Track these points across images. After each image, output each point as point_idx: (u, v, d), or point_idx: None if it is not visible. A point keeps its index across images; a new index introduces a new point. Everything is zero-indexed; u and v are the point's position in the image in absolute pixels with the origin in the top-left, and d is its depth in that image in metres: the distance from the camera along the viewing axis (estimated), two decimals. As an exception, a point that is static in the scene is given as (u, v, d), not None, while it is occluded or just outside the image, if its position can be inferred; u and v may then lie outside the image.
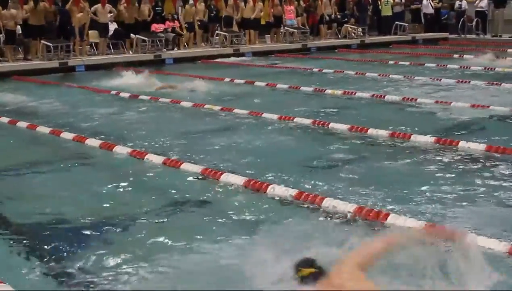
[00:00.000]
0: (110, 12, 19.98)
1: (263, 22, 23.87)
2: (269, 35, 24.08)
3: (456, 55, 20.09)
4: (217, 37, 22.16)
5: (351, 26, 25.16)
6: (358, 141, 8.65)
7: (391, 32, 25.98)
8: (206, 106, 11.41)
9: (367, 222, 5.44)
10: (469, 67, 16.73)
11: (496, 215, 5.72)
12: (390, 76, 15.30)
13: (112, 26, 20.28)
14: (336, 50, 22.93)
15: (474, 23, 26.67)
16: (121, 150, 8.20)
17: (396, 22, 26.12)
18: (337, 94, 12.75)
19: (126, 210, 6.00)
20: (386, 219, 5.41)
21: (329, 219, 5.57)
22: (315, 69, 17.15)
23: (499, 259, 4.63)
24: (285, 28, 23.74)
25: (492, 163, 7.35)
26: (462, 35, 26.58)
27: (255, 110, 10.71)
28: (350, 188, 6.44)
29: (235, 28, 22.87)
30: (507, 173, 6.96)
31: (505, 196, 6.16)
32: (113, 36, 20.32)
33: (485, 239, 4.89)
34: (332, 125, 9.45)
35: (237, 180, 6.66)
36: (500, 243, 4.84)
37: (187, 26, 21.81)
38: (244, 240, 5.07)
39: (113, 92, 13.66)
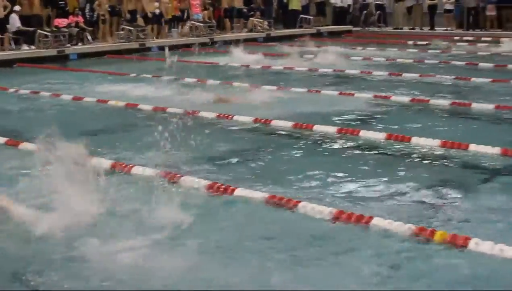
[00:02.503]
0: (5, 6, 19.19)
1: (169, 16, 23.68)
2: (176, 29, 23.91)
3: (359, 48, 20.60)
4: (122, 32, 21.81)
5: (257, 19, 25.33)
6: (262, 134, 8.76)
7: (296, 26, 26.37)
8: (110, 102, 11.29)
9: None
10: (372, 59, 17.22)
11: (395, 200, 5.93)
12: (295, 69, 15.54)
13: (13, 21, 19.51)
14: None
15: (376, 16, 27.47)
16: None
17: (301, 16, 26.54)
18: (244, 87, 12.82)
19: None
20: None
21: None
22: (222, 63, 17.17)
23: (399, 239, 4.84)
24: (191, 22, 23.65)
25: (392, 151, 7.62)
26: (366, 28, 27.35)
27: (160, 105, 10.64)
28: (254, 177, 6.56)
29: (140, 22, 22.57)
30: (406, 160, 7.25)
31: (400, 182, 6.42)
32: (16, 32, 19.60)
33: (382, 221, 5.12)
34: (236, 117, 9.53)
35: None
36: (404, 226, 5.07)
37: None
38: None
39: None
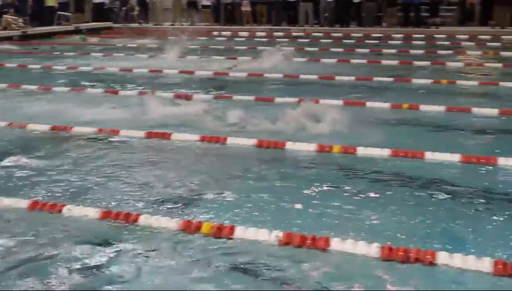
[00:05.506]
0: None
1: None
2: None
3: (120, 44, 20.43)
4: None
5: (11, 16, 23.97)
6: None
7: (54, 23, 25.41)
8: None
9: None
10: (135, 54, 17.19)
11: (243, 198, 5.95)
12: (54, 67, 15.01)
13: None
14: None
15: (136, 12, 27.43)
16: None
17: (59, 12, 25.63)
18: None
19: None
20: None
21: None
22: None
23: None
24: None
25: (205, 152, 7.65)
26: (127, 24, 27.20)
27: None
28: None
29: None
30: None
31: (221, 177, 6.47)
32: None
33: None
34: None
35: None
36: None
37: None
38: None
39: None
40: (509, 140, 7.63)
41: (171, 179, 6.41)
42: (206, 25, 26.11)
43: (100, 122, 8.74)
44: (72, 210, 5.42)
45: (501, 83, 11.74)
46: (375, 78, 12.43)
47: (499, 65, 14.54)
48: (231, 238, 4.86)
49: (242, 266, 4.45)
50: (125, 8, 27.63)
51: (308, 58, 15.55)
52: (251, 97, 10.58)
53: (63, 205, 5.51)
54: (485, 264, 4.31)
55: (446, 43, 19.16)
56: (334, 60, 15.27)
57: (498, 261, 4.34)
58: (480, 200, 5.69)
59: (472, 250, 4.58)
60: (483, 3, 22.58)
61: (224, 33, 23.85)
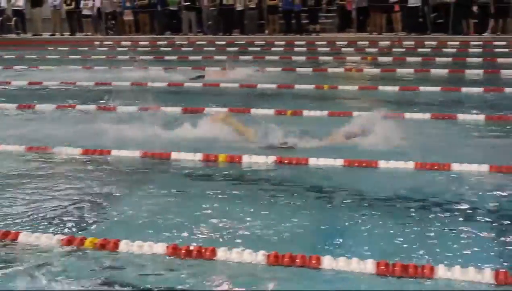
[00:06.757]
0: None
1: None
2: None
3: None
4: None
5: None
6: None
7: None
8: None
9: None
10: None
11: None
12: None
13: None
14: None
15: (13, 22, 26.41)
16: None
17: None
18: None
19: None
20: None
21: None
22: None
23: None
24: None
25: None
26: (3, 35, 26.15)
27: None
28: None
29: None
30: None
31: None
32: None
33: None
34: None
35: None
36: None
37: None
38: None
39: None
40: (391, 142, 7.83)
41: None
42: (87, 35, 25.52)
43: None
44: None
45: (380, 88, 12.15)
46: (259, 86, 12.56)
47: (377, 70, 15.08)
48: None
49: (127, 278, 4.37)
50: (0, 18, 26.51)
51: (192, 67, 15.49)
52: (135, 108, 10.47)
53: None
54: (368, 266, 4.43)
55: (327, 49, 19.67)
56: (217, 68, 15.32)
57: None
58: (361, 202, 5.86)
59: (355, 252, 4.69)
60: (359, 10, 23.35)
61: (106, 43, 23.40)
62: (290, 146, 7.62)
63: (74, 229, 5.30)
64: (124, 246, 4.81)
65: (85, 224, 5.44)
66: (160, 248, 4.75)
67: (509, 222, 5.33)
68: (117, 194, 6.25)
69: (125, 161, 7.45)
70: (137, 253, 4.72)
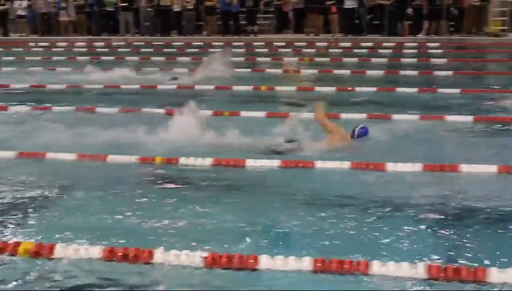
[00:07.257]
0: None
1: None
2: None
3: None
4: None
5: None
6: None
7: None
8: None
9: None
10: None
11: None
12: None
13: None
14: None
15: None
16: None
17: None
18: None
19: None
20: None
21: None
22: None
23: None
24: None
25: None
26: None
27: None
28: None
29: None
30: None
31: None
32: None
33: None
34: None
35: None
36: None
37: None
38: None
39: None
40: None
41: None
42: (21, 36, 24.95)
43: None
44: None
45: (317, 88, 12.28)
46: (197, 87, 12.53)
47: (315, 70, 15.24)
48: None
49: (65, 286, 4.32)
50: None
51: (129, 69, 15.31)
52: (72, 108, 10.35)
53: None
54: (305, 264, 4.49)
55: (265, 50, 19.75)
56: (155, 69, 15.23)
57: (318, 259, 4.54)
58: (308, 202, 5.94)
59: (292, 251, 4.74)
60: (296, 12, 23.50)
61: (41, 44, 22.89)
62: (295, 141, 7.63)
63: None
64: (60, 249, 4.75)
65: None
66: (96, 251, 4.71)
67: (439, 218, 5.49)
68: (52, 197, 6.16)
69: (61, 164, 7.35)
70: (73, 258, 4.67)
